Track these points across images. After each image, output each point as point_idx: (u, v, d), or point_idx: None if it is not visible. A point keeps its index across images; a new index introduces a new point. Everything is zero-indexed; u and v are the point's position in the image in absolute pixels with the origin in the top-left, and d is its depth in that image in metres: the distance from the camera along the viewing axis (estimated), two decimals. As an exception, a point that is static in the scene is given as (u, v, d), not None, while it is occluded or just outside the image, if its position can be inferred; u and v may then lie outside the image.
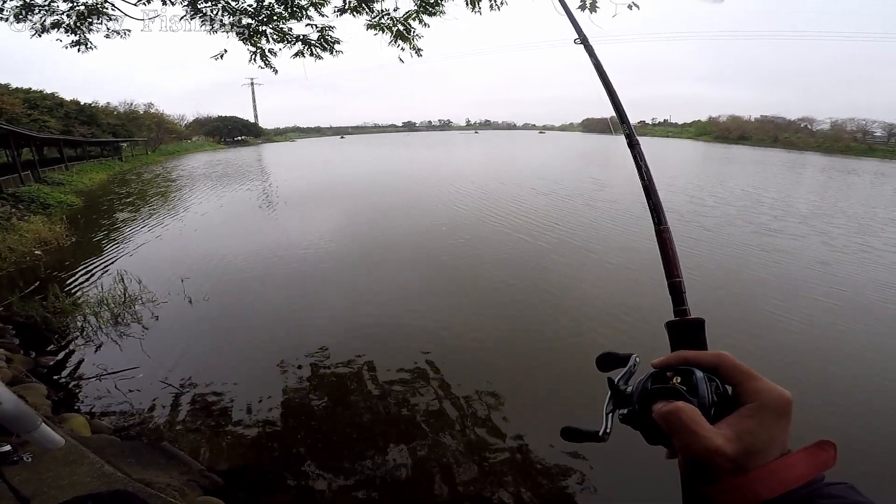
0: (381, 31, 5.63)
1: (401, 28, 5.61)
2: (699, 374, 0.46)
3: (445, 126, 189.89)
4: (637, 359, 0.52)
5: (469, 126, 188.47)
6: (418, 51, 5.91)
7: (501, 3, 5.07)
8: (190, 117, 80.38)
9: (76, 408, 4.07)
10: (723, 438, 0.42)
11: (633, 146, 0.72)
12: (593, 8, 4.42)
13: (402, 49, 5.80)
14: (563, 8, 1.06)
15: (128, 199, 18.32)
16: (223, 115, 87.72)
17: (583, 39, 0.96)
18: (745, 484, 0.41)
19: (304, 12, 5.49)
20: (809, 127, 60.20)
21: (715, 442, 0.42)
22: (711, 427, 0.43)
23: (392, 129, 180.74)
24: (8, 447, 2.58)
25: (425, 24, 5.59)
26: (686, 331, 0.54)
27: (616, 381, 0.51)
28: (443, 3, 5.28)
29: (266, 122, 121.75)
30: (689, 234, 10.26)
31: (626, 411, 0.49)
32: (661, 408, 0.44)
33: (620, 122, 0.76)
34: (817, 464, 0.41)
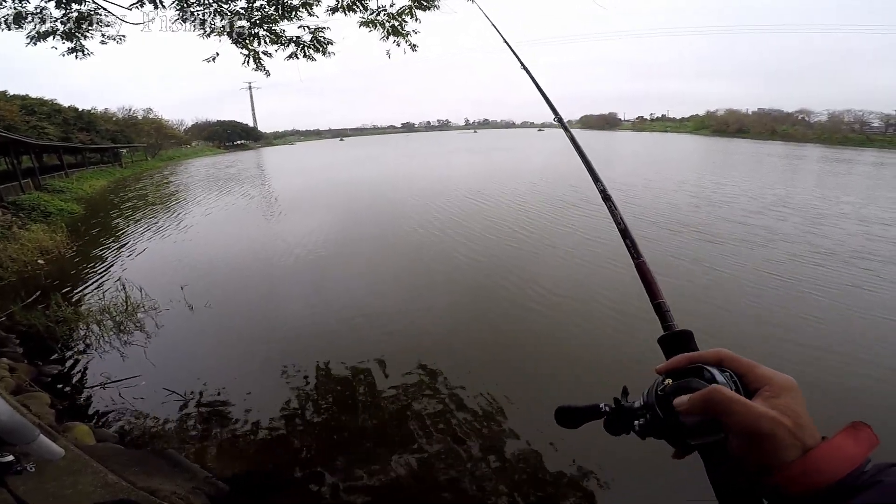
0: (373, 28, 5.63)
1: (395, 24, 5.60)
2: (710, 367, 0.48)
3: (444, 126, 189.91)
4: (604, 405, 0.55)
5: (468, 126, 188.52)
6: (413, 46, 5.89)
7: None
8: (189, 122, 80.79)
9: (80, 417, 4.07)
10: (773, 410, 0.42)
11: (608, 199, 0.81)
12: None
13: (398, 45, 5.81)
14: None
15: (128, 207, 18.36)
16: (222, 119, 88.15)
17: (558, 117, 1.15)
18: (813, 463, 0.39)
19: (296, 12, 5.48)
20: (807, 119, 60.11)
21: (769, 412, 0.41)
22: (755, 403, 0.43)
23: (391, 130, 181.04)
24: (10, 457, 2.57)
25: (417, 20, 5.60)
26: (679, 341, 0.57)
27: (616, 406, 0.54)
28: None
29: (265, 126, 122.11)
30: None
31: (642, 421, 0.50)
32: (695, 395, 0.45)
33: (595, 181, 0.86)
34: (866, 441, 0.40)
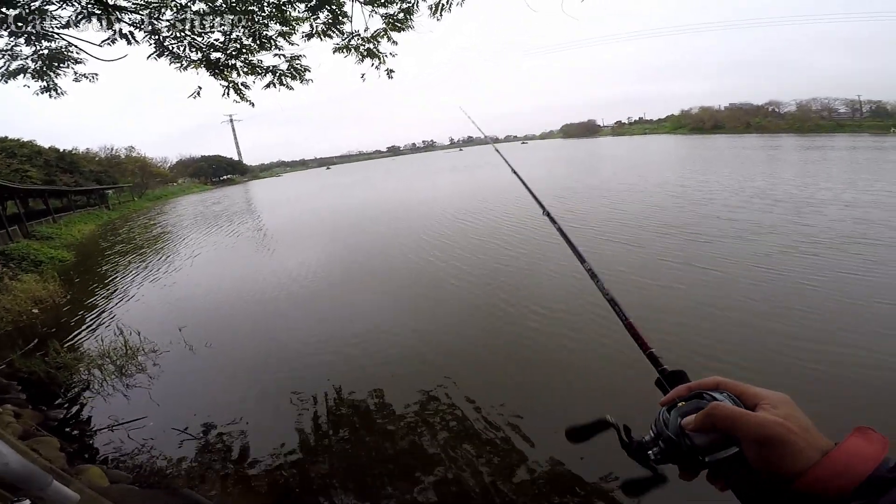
0: (348, 53, 5.61)
1: (371, 47, 5.60)
2: (709, 391, 0.53)
3: (430, 147, 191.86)
4: (610, 417, 0.59)
5: (453, 144, 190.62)
6: (389, 73, 5.87)
7: (461, 2, 5.02)
8: (173, 159, 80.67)
9: (91, 459, 4.04)
10: (777, 417, 0.44)
11: (594, 277, 0.91)
12: None
13: (377, 68, 5.78)
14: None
15: (118, 252, 18.15)
16: (206, 154, 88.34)
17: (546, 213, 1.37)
18: (839, 464, 0.40)
19: (273, 42, 5.42)
20: (777, 110, 61.96)
21: (775, 417, 0.44)
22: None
23: (377, 154, 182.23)
24: (27, 501, 2.61)
25: (394, 42, 5.59)
26: (674, 379, 0.62)
27: (627, 440, 0.57)
28: (411, 18, 5.28)
29: (250, 159, 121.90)
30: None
31: (656, 450, 0.53)
32: (699, 413, 0.49)
33: (581, 261, 0.97)
34: (879, 441, 0.42)
